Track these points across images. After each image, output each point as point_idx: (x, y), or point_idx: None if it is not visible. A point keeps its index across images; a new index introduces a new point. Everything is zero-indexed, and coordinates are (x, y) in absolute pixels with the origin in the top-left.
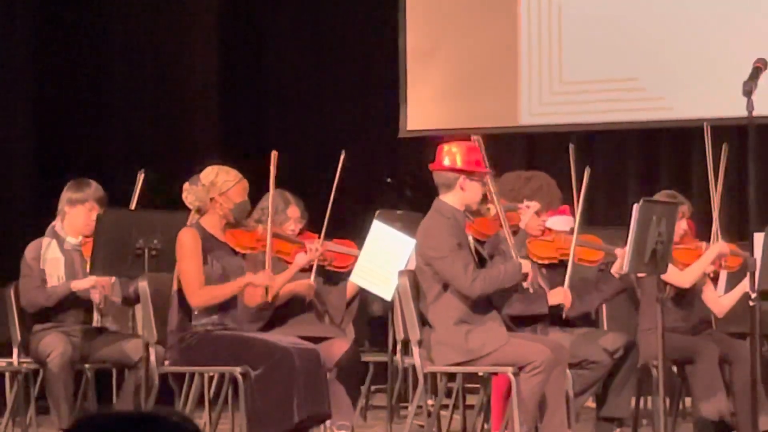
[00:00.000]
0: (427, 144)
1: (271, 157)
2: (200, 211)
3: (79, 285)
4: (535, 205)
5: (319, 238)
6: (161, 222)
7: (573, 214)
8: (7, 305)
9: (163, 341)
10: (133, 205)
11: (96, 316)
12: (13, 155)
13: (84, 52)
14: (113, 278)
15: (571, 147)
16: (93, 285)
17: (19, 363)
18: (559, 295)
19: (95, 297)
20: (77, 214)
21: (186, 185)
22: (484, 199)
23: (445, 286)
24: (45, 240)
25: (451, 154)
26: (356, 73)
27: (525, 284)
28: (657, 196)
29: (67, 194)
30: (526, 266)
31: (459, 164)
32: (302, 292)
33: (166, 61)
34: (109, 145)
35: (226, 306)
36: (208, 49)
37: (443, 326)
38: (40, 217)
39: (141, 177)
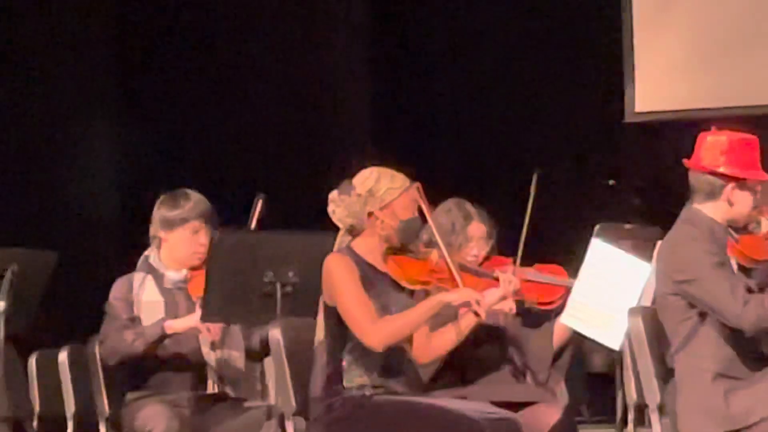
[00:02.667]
0: (663, 131)
1: (415, 191)
2: (353, 231)
3: (176, 324)
4: None
5: (514, 264)
6: (298, 248)
7: None
8: (91, 367)
9: (305, 411)
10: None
11: (212, 377)
12: (96, 175)
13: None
14: (229, 327)
15: None
16: (195, 326)
17: None
18: None
19: (209, 352)
20: (178, 240)
21: (333, 195)
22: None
23: (697, 327)
24: (137, 276)
25: (717, 150)
26: (561, 45)
27: None
28: None
29: (160, 212)
30: None
31: (726, 166)
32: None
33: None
34: (218, 164)
35: (390, 360)
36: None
37: (695, 384)
38: (128, 246)
39: (259, 204)
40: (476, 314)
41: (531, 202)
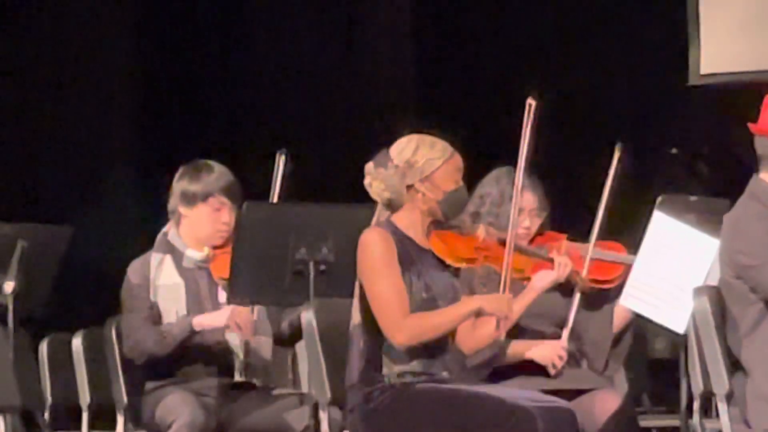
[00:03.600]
0: (731, 94)
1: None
2: (391, 206)
3: (205, 322)
4: None
5: (569, 240)
6: (333, 221)
7: None
8: (108, 353)
9: (341, 400)
10: (274, 198)
11: (238, 364)
12: (111, 144)
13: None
14: (255, 312)
15: None
16: (226, 324)
17: None
18: None
19: (234, 338)
20: (199, 216)
21: (369, 166)
22: None
23: (765, 312)
24: (154, 257)
25: None
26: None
27: None
28: None
29: (180, 185)
30: None
31: None
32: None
33: None
34: (238, 123)
35: (434, 345)
36: None
37: (764, 371)
38: (146, 222)
39: (281, 161)
40: (497, 328)
41: (611, 175)
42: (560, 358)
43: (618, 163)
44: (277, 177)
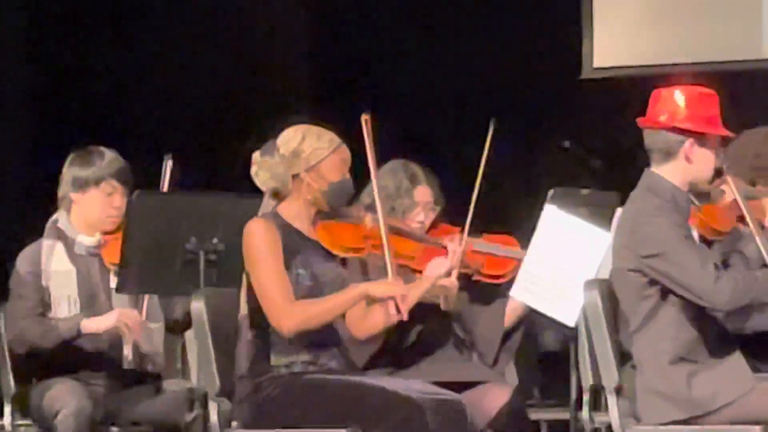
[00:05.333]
0: (624, 89)
1: (362, 123)
2: (278, 195)
3: (92, 326)
4: None
5: (462, 233)
6: (224, 211)
7: None
8: None
9: (230, 391)
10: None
11: (127, 353)
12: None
13: None
14: (146, 299)
15: None
16: (115, 325)
17: (14, 427)
18: None
19: (126, 338)
20: (90, 201)
21: (256, 156)
22: (715, 176)
23: (657, 307)
24: (45, 244)
25: (673, 105)
26: None
27: None
28: None
29: (71, 171)
30: None
31: (685, 121)
32: (435, 293)
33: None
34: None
35: (323, 335)
36: None
37: (654, 366)
38: (37, 209)
39: (169, 165)
40: (397, 311)
41: (485, 155)
42: (402, 296)
43: (491, 143)
44: (164, 181)
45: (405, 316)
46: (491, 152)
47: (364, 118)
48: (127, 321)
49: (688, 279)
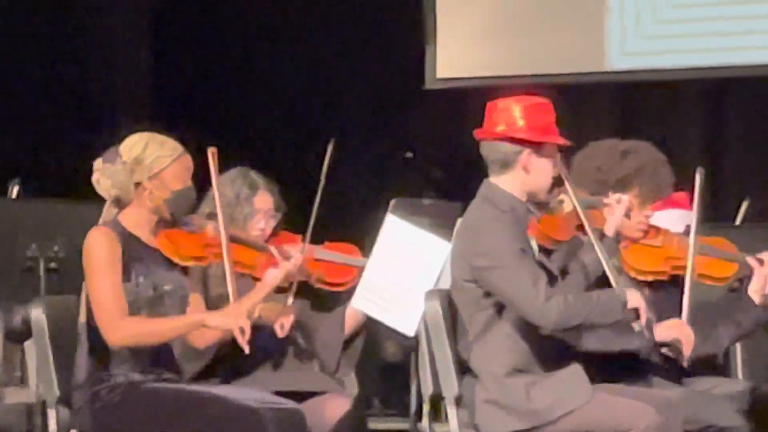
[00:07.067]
0: (467, 100)
1: (208, 155)
2: (120, 203)
3: None
4: (623, 201)
5: (303, 241)
6: (64, 219)
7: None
8: None
9: (68, 399)
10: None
11: None
12: None
13: None
14: None
15: None
16: None
17: None
18: (674, 330)
19: None
20: None
21: (98, 163)
22: (554, 185)
23: (493, 319)
24: None
25: (509, 116)
26: (360, 8)
27: (634, 325)
28: None
29: None
30: (635, 299)
31: (522, 131)
32: (271, 319)
33: None
34: None
35: (163, 345)
36: None
37: (493, 377)
38: None
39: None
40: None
41: (324, 172)
42: (242, 330)
43: (330, 161)
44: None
45: (246, 350)
46: (330, 171)
47: (211, 152)
48: None
49: (518, 294)
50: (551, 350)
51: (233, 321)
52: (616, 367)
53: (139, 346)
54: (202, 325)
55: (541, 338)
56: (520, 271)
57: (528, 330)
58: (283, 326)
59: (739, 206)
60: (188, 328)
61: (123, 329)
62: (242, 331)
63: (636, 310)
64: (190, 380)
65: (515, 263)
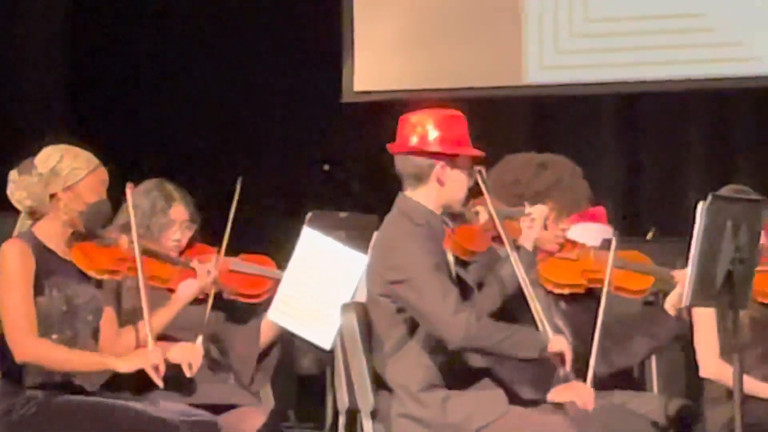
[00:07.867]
0: (384, 113)
1: (126, 192)
2: (34, 215)
3: None
4: (541, 212)
5: (219, 252)
6: None
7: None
8: None
9: None
10: None
11: None
12: None
13: None
14: None
15: None
16: None
17: None
18: (560, 343)
19: None
20: None
21: (13, 174)
22: (469, 197)
23: (412, 329)
24: None
25: (422, 129)
26: (276, 21)
27: (561, 371)
28: (724, 191)
29: None
30: (559, 343)
31: (435, 144)
32: (179, 361)
33: None
34: None
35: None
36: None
37: (408, 391)
38: None
39: None
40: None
41: (233, 209)
42: (190, 365)
43: (239, 194)
44: None
45: (161, 385)
46: (240, 202)
47: (129, 186)
48: None
49: (426, 307)
50: (465, 364)
51: (143, 361)
52: (527, 387)
53: (40, 365)
54: (107, 368)
55: (453, 355)
56: (430, 285)
57: (440, 346)
58: (191, 366)
59: (655, 222)
60: (95, 367)
61: (30, 348)
62: (156, 368)
63: (561, 355)
64: (101, 389)
65: (426, 277)
